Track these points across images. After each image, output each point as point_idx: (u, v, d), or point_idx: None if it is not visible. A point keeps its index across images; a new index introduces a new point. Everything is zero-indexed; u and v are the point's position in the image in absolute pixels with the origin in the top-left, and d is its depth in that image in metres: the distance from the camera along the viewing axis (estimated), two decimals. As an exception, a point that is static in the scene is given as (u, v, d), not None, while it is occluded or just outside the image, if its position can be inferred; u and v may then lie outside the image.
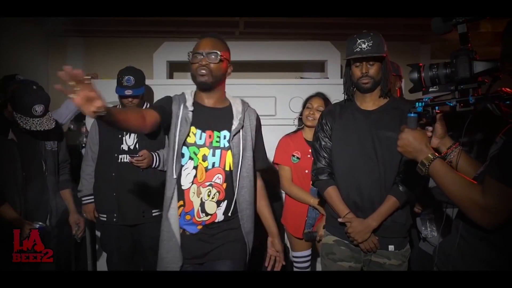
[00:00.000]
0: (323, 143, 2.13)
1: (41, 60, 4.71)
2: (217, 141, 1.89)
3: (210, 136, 1.89)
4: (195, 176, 1.87)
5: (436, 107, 1.47)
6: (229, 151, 1.89)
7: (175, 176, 1.86)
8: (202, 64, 1.84)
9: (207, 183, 1.88)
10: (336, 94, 2.25)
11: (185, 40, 4.93)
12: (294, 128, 2.96)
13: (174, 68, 4.62)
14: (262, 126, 2.12)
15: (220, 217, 1.90)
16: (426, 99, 1.43)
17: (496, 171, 1.18)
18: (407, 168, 1.94)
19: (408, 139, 1.41)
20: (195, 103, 1.92)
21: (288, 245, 2.97)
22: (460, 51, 1.34)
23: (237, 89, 3.77)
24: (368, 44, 1.92)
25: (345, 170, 2.05)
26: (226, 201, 1.91)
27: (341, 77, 3.63)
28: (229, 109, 1.97)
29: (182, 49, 4.32)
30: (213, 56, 1.84)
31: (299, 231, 2.74)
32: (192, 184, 1.87)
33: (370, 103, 2.06)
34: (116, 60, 3.71)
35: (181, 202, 1.88)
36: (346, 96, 2.13)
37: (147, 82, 3.15)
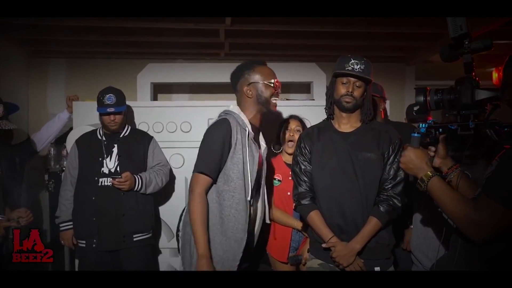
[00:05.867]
0: (303, 167, 2.11)
1: (21, 81, 4.61)
2: None
3: None
4: None
5: (440, 129, 1.58)
6: None
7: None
8: None
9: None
10: (323, 116, 2.24)
11: (170, 62, 4.92)
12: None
13: (158, 90, 4.58)
14: None
15: None
16: (430, 122, 1.54)
17: (488, 189, 1.30)
18: (387, 187, 2.00)
19: (410, 157, 1.51)
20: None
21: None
22: (464, 79, 1.46)
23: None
24: (360, 67, 1.97)
25: (327, 193, 2.04)
26: None
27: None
28: None
29: (166, 71, 4.33)
30: None
31: (284, 255, 2.65)
32: None
33: (347, 125, 2.08)
34: (99, 82, 3.58)
35: None
36: (326, 112, 2.15)
37: (131, 104, 3.09)
